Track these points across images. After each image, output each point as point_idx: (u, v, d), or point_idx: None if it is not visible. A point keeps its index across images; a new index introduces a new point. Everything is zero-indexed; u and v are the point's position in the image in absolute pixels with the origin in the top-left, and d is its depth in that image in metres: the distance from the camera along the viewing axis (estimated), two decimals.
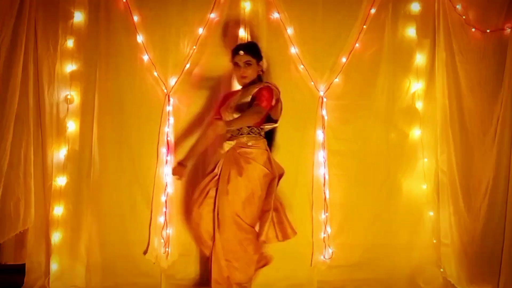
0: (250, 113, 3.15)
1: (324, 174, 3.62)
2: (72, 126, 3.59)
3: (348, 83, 3.71)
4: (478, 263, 3.41)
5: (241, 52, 3.26)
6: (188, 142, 3.62)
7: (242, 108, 3.20)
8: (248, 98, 3.22)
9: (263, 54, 3.36)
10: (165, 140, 3.58)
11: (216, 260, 3.13)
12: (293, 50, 3.63)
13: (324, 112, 3.67)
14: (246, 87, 3.31)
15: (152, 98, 3.64)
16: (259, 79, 3.35)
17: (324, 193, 3.61)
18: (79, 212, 3.58)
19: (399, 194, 3.71)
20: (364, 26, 3.65)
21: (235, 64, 3.29)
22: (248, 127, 3.19)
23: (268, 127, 3.27)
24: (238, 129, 3.19)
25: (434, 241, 3.67)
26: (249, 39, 3.61)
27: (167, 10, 3.62)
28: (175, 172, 3.36)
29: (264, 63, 3.37)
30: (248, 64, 3.27)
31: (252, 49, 3.33)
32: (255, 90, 3.22)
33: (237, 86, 3.53)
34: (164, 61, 3.62)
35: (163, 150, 3.59)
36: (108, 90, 3.62)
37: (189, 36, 3.62)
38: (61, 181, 3.56)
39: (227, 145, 3.25)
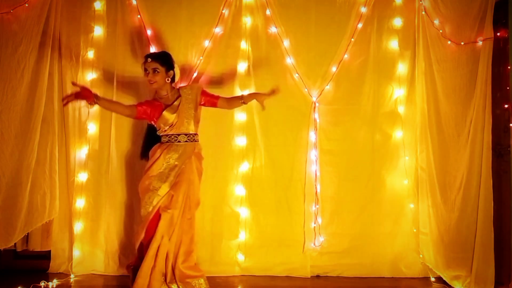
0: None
1: (315, 170, 3.80)
2: (92, 128, 3.80)
3: (338, 90, 3.86)
4: (454, 250, 3.49)
5: (149, 59, 3.31)
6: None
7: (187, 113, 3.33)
8: (192, 105, 3.36)
9: (176, 65, 3.40)
10: None
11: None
12: (289, 60, 3.81)
13: (316, 116, 3.82)
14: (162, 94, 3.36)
15: None
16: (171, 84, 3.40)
17: (316, 187, 3.79)
18: (98, 204, 3.77)
19: (383, 188, 3.84)
20: (352, 39, 3.81)
21: (144, 70, 3.32)
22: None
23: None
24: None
25: (414, 230, 3.81)
26: (250, 51, 3.80)
27: (177, 24, 3.80)
28: (83, 91, 3.06)
29: (176, 73, 3.39)
30: (155, 71, 3.29)
31: (161, 57, 3.36)
32: (198, 95, 3.37)
33: (236, 91, 3.75)
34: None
35: None
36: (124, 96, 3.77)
37: (196, 48, 3.81)
38: (82, 176, 3.78)
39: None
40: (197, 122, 3.44)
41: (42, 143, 3.62)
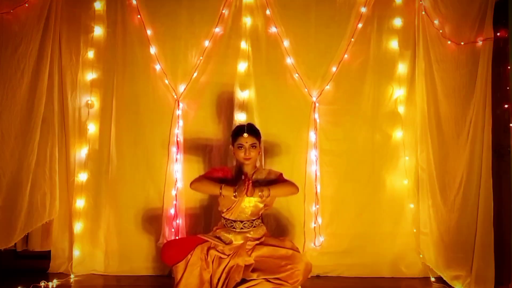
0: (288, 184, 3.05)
1: (315, 170, 3.75)
2: (92, 128, 3.78)
3: (338, 90, 3.80)
4: (454, 250, 3.45)
5: (245, 135, 3.12)
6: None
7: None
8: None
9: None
10: (175, 140, 3.73)
11: None
12: (289, 60, 3.76)
13: (316, 116, 3.78)
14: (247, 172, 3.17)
15: (164, 103, 3.78)
16: None
17: (316, 187, 3.75)
18: (98, 204, 3.75)
19: (383, 188, 3.79)
20: (352, 39, 3.76)
21: (239, 146, 3.14)
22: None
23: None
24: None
25: (414, 230, 3.76)
26: (250, 51, 3.78)
27: (177, 24, 3.78)
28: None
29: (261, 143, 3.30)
30: (253, 146, 3.15)
31: (255, 130, 3.21)
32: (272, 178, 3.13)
33: (236, 91, 3.71)
34: (174, 70, 3.77)
35: (173, 149, 3.73)
36: (124, 96, 3.77)
37: (196, 48, 3.77)
38: (82, 177, 3.75)
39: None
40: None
41: (42, 143, 3.59)
